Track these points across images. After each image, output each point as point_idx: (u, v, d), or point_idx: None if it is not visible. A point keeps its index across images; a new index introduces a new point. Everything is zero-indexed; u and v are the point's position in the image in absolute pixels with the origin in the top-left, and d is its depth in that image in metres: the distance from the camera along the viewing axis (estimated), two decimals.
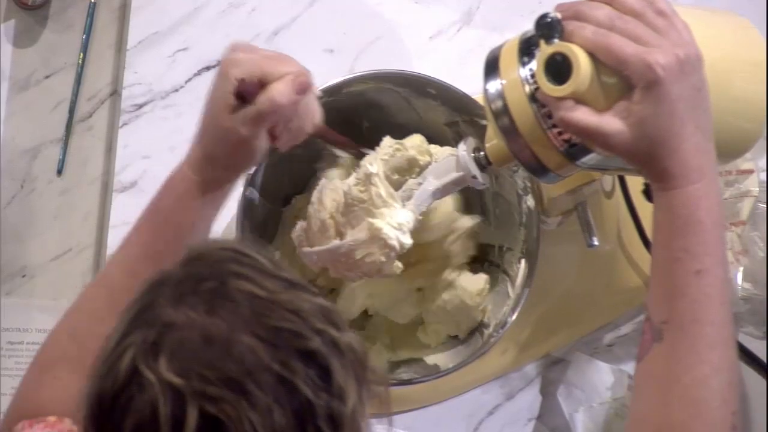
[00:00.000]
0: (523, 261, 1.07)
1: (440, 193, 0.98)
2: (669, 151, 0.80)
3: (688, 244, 0.80)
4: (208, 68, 1.25)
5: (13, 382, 1.15)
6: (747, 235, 1.25)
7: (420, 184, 0.99)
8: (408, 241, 0.98)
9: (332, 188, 1.01)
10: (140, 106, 1.23)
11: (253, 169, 0.98)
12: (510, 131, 0.87)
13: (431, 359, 1.12)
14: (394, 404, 1.17)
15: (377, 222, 0.97)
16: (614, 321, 1.25)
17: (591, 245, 0.99)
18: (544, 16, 0.85)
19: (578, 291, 1.21)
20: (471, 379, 1.20)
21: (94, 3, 1.26)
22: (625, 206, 1.18)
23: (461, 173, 0.96)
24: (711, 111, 0.81)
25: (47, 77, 1.25)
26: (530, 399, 1.22)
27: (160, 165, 1.20)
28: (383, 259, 0.98)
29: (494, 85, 0.87)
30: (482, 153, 0.95)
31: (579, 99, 0.81)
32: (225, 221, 1.17)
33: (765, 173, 1.29)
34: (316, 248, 0.99)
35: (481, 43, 1.29)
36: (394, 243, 0.97)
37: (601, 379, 1.21)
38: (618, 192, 1.16)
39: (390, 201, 0.98)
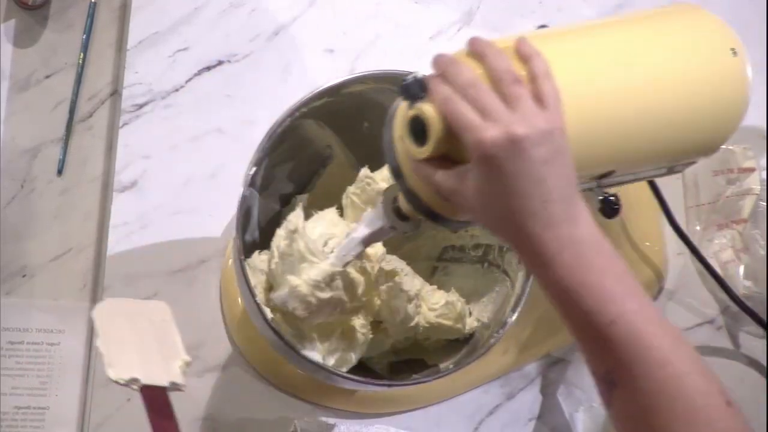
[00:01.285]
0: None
1: (371, 240, 0.98)
2: (516, 227, 0.80)
3: (583, 309, 0.78)
4: (208, 68, 1.25)
5: (14, 382, 1.15)
6: (748, 233, 1.25)
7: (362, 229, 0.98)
8: (325, 295, 1.00)
9: (278, 235, 1.04)
10: (140, 106, 1.22)
11: (253, 170, 0.98)
12: (404, 187, 0.88)
13: (431, 359, 1.12)
14: (394, 404, 1.18)
15: (292, 279, 1.00)
16: None
17: None
18: (405, 78, 0.85)
19: None
20: (471, 379, 1.20)
21: (95, 3, 1.26)
22: (625, 206, 1.18)
23: (383, 223, 0.95)
24: (568, 177, 0.79)
25: (47, 77, 1.25)
26: (530, 399, 1.22)
27: (161, 165, 1.21)
28: (305, 313, 1.01)
29: (387, 140, 0.87)
30: (397, 204, 0.93)
31: (446, 157, 0.82)
32: (225, 221, 1.18)
33: (766, 171, 1.29)
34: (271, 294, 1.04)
35: None
36: (311, 300, 1.00)
37: None
38: (620, 192, 1.16)
39: (308, 256, 1.00)
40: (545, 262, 0.79)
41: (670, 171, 1.01)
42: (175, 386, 0.97)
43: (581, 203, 0.80)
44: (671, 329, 0.79)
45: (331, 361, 1.05)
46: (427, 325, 1.09)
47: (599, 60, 0.89)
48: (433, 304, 1.10)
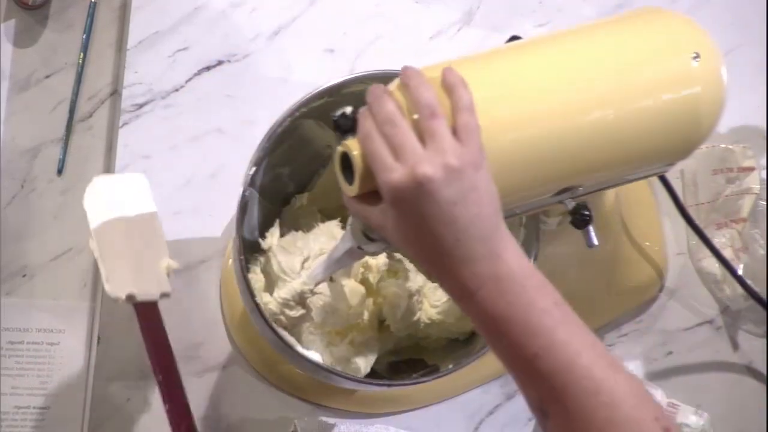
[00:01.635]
0: None
1: (342, 260, 0.98)
2: (434, 264, 0.80)
3: (509, 341, 0.79)
4: (208, 68, 1.25)
5: (14, 382, 1.15)
6: (747, 232, 1.25)
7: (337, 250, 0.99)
8: (295, 313, 1.03)
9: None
10: (140, 106, 1.23)
11: (252, 170, 0.98)
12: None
13: (431, 359, 1.12)
14: (394, 404, 1.18)
15: (266, 296, 1.03)
16: (614, 321, 1.25)
17: (591, 245, 0.99)
18: (335, 113, 0.85)
19: (578, 291, 1.20)
20: (471, 379, 1.20)
21: (95, 3, 1.26)
22: (624, 205, 1.19)
23: (352, 244, 0.94)
24: (483, 215, 0.79)
25: (47, 77, 1.25)
26: None
27: (161, 165, 1.21)
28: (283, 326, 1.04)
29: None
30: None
31: (375, 192, 0.82)
32: (225, 221, 1.18)
33: (766, 171, 1.29)
34: None
35: (481, 43, 1.29)
36: (281, 317, 1.02)
37: None
38: (618, 190, 1.16)
39: (281, 275, 1.03)
40: (466, 297, 0.80)
41: (654, 173, 1.00)
42: (164, 295, 1.05)
43: (504, 237, 0.80)
44: (604, 357, 0.78)
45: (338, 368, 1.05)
46: (428, 321, 1.09)
47: (543, 78, 0.88)
48: (435, 301, 1.10)
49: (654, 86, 0.89)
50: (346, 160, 0.83)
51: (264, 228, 1.09)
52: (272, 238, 1.05)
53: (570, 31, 0.92)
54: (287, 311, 1.02)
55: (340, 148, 0.84)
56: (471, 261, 0.78)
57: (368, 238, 0.91)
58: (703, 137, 0.93)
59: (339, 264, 0.97)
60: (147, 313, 1.02)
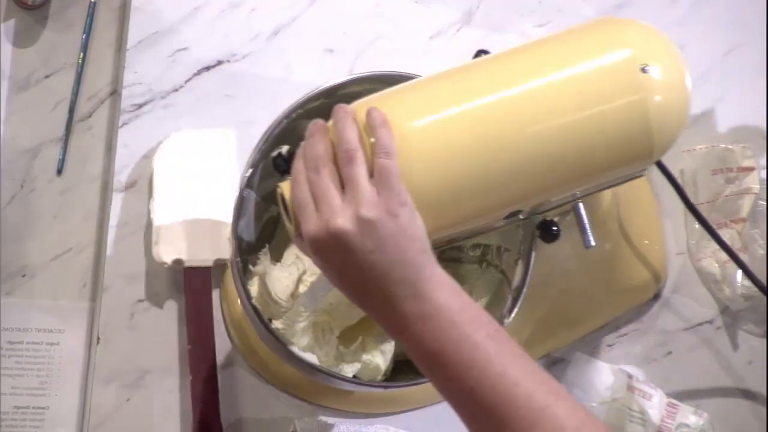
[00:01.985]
0: (520, 262, 1.07)
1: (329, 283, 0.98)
2: (361, 305, 0.82)
3: (444, 376, 0.80)
4: (207, 68, 1.25)
5: (14, 382, 1.15)
6: (747, 232, 1.25)
7: None
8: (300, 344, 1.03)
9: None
10: (140, 106, 1.23)
11: (249, 171, 0.98)
12: None
13: None
14: (394, 404, 1.18)
15: (276, 323, 1.03)
16: (614, 321, 1.25)
17: (588, 246, 0.99)
18: (273, 153, 0.86)
19: (578, 291, 1.21)
20: None
21: (94, 2, 1.26)
22: (623, 205, 1.18)
23: None
24: (403, 259, 0.79)
25: (47, 77, 1.25)
26: None
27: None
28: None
29: None
30: None
31: None
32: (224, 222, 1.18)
33: (765, 171, 1.29)
34: None
35: (481, 43, 1.29)
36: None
37: (601, 379, 1.21)
38: (618, 190, 1.16)
39: (274, 303, 1.03)
40: (397, 335, 0.81)
41: (621, 181, 0.99)
42: (220, 262, 1.12)
43: (432, 276, 0.80)
44: (545, 384, 0.78)
45: (350, 371, 1.05)
46: None
47: (481, 101, 0.87)
48: None
49: (597, 100, 0.88)
50: (285, 201, 0.85)
51: (262, 228, 1.09)
52: (263, 264, 1.05)
53: (521, 48, 0.92)
54: (294, 340, 1.02)
55: (278, 190, 0.85)
56: (396, 302, 0.79)
57: None
58: (666, 143, 0.92)
59: (329, 285, 0.98)
60: (194, 279, 1.08)
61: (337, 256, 0.80)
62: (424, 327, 0.79)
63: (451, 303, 0.80)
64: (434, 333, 0.79)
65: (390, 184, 0.80)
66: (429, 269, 0.80)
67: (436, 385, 0.81)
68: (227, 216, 1.13)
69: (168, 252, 1.14)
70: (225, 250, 1.15)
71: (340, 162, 0.81)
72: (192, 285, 1.14)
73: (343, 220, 0.78)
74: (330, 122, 0.84)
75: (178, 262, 1.14)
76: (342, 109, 0.84)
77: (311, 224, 0.80)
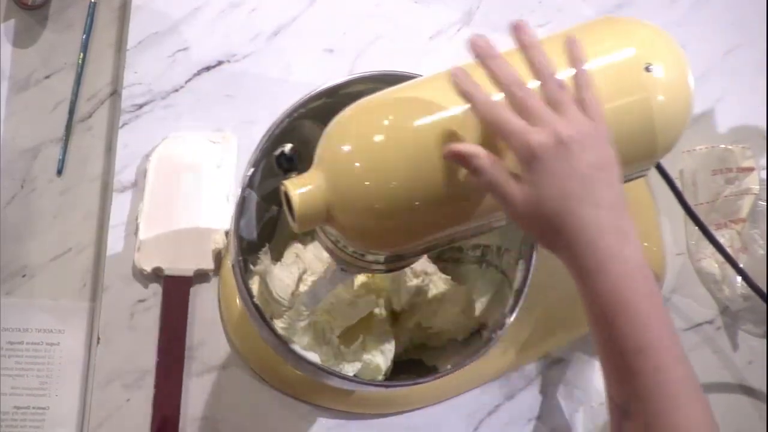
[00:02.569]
0: (521, 262, 1.07)
1: (330, 283, 0.98)
2: (567, 233, 0.79)
3: (619, 328, 0.77)
4: (207, 68, 1.25)
5: (13, 382, 1.15)
6: (747, 232, 1.25)
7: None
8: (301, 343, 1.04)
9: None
10: (140, 106, 1.23)
11: (251, 171, 0.98)
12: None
13: (430, 360, 1.12)
14: (394, 405, 1.18)
15: (277, 322, 1.03)
16: None
17: None
18: (275, 151, 0.86)
19: (577, 291, 1.21)
20: (471, 379, 1.20)
21: (94, 3, 1.26)
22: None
23: (336, 267, 0.95)
24: (617, 187, 0.79)
25: (47, 77, 1.25)
26: (530, 399, 1.22)
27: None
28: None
29: None
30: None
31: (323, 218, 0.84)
32: (224, 222, 1.18)
33: (765, 171, 1.29)
34: None
35: None
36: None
37: (601, 379, 1.20)
38: None
39: (275, 302, 1.03)
40: (593, 271, 0.78)
41: (628, 178, 0.99)
42: (201, 273, 1.11)
43: (631, 220, 0.80)
44: (692, 378, 0.78)
45: (351, 371, 1.06)
46: (439, 297, 1.09)
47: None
48: (437, 278, 1.11)
49: (601, 98, 0.88)
50: (288, 199, 0.84)
51: (262, 228, 1.09)
52: (264, 263, 1.05)
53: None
54: (291, 331, 1.03)
55: (282, 188, 0.84)
56: (605, 232, 0.78)
57: (343, 270, 0.93)
58: (667, 144, 0.92)
59: (331, 284, 0.98)
60: (173, 288, 1.06)
61: (559, 166, 0.78)
62: (622, 269, 0.77)
63: (642, 255, 0.79)
64: (629, 279, 0.77)
65: (601, 116, 0.81)
66: (627, 210, 0.80)
67: (601, 336, 0.79)
68: (215, 223, 1.13)
69: (148, 259, 1.15)
70: (207, 260, 1.16)
71: (550, 87, 0.81)
72: (170, 294, 1.14)
73: (568, 129, 0.78)
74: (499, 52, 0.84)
75: (158, 270, 1.15)
76: (525, 34, 0.84)
77: (534, 134, 0.78)
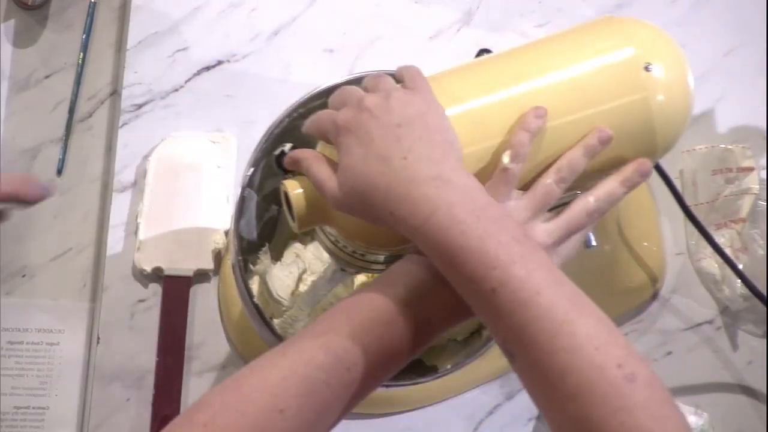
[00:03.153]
0: None
1: (330, 282, 0.98)
2: (384, 195, 0.77)
3: (465, 275, 0.74)
4: (207, 68, 1.25)
5: (13, 382, 1.15)
6: (747, 232, 1.25)
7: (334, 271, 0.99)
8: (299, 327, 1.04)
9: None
10: (140, 106, 1.23)
11: (251, 171, 0.98)
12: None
13: (430, 360, 1.12)
14: (393, 404, 1.18)
15: (277, 321, 1.04)
16: (613, 321, 1.25)
17: (589, 246, 0.99)
18: (275, 151, 0.86)
19: None
20: (471, 379, 1.20)
21: (94, 3, 1.26)
22: (623, 206, 1.18)
23: (335, 267, 0.95)
24: (431, 140, 0.78)
25: (47, 77, 1.25)
26: (530, 399, 1.22)
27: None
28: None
29: None
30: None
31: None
32: (224, 222, 1.18)
33: (765, 171, 1.29)
34: None
35: (481, 43, 1.29)
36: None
37: None
38: None
39: (274, 301, 1.04)
40: (419, 226, 0.76)
41: None
42: (201, 273, 1.11)
43: (458, 167, 0.78)
44: (569, 298, 0.73)
45: None
46: None
47: (488, 95, 0.86)
48: None
49: (600, 99, 0.87)
50: (288, 199, 0.84)
51: (262, 227, 1.09)
52: (263, 263, 1.05)
53: (525, 47, 0.91)
54: (290, 330, 1.03)
55: (282, 188, 0.84)
56: (420, 182, 0.76)
57: (343, 270, 0.93)
58: (667, 144, 0.92)
59: (331, 284, 0.98)
60: (173, 288, 1.06)
61: (363, 130, 0.78)
62: (448, 215, 0.75)
63: (477, 196, 0.76)
64: (458, 224, 0.74)
65: (418, 82, 0.82)
66: (455, 161, 0.78)
67: (457, 285, 0.76)
68: (215, 223, 1.13)
69: (148, 259, 1.15)
70: (207, 260, 1.16)
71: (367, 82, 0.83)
72: (170, 294, 1.15)
73: (371, 98, 0.79)
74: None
75: (158, 270, 1.15)
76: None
77: (341, 113, 0.80)
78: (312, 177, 0.82)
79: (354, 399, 0.78)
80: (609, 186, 0.87)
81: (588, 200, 0.87)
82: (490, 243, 0.74)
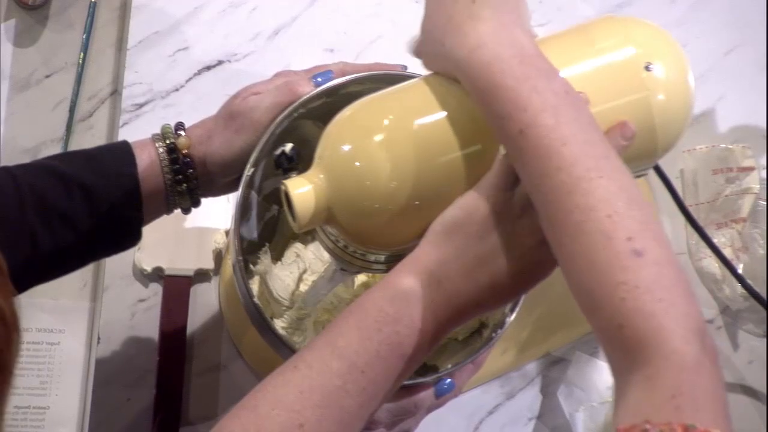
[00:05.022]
0: None
1: (331, 282, 0.98)
2: (443, 22, 0.81)
3: (497, 110, 0.74)
4: (208, 68, 1.25)
5: (14, 382, 1.15)
6: (747, 232, 1.25)
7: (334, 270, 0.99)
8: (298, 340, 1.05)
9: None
10: (140, 106, 1.23)
11: (251, 171, 0.98)
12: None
13: (431, 359, 1.12)
14: None
15: (277, 321, 1.04)
16: None
17: None
18: (276, 151, 0.88)
19: None
20: (471, 379, 1.20)
21: (95, 2, 1.27)
22: None
23: (335, 267, 0.95)
24: (506, 2, 0.80)
25: (48, 77, 1.25)
26: (531, 398, 1.22)
27: None
28: None
29: None
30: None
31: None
32: (225, 222, 1.18)
33: (765, 170, 1.29)
34: None
35: None
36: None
37: (602, 379, 1.21)
38: None
39: (275, 302, 1.04)
40: (464, 57, 0.77)
41: None
42: (201, 273, 1.12)
43: (519, 26, 0.78)
44: (593, 157, 0.71)
45: None
46: None
47: None
48: None
49: (601, 99, 0.86)
50: (288, 199, 0.84)
51: (262, 227, 1.09)
52: (264, 263, 1.05)
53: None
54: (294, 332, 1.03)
55: (282, 188, 0.84)
56: (477, 19, 0.78)
57: (343, 269, 0.93)
58: (668, 144, 0.91)
59: (331, 284, 0.98)
60: (173, 288, 1.06)
61: None
62: (492, 52, 0.75)
63: (528, 45, 0.77)
64: (500, 63, 0.75)
65: None
66: (519, 20, 0.79)
67: (490, 122, 0.76)
68: (215, 223, 1.13)
69: (149, 259, 1.15)
70: (208, 260, 1.17)
71: None
72: (170, 294, 1.15)
73: None
74: None
75: (158, 269, 1.15)
76: None
77: None
78: None
79: (373, 401, 0.78)
80: None
81: None
82: (526, 86, 0.74)
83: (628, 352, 0.65)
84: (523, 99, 0.73)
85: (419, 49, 0.86)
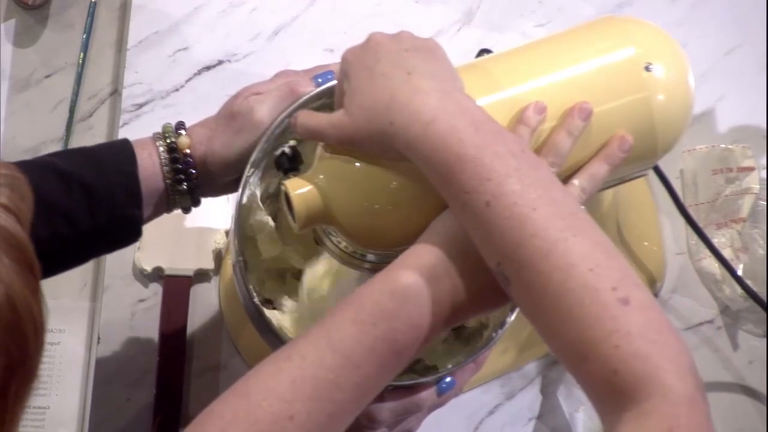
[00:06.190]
0: None
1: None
2: (385, 107, 0.77)
3: (460, 184, 0.73)
4: (208, 68, 1.25)
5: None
6: (747, 232, 1.25)
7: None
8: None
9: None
10: (140, 106, 1.23)
11: (251, 171, 0.98)
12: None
13: (431, 359, 1.12)
14: None
15: (282, 317, 1.04)
16: None
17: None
18: (276, 151, 0.88)
19: None
20: (471, 379, 1.20)
21: (95, 2, 1.27)
22: (623, 206, 1.18)
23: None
24: (437, 66, 0.80)
25: (47, 77, 1.25)
26: (531, 398, 1.22)
27: None
28: None
29: None
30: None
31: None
32: (225, 222, 1.18)
33: (765, 170, 1.29)
34: None
35: (481, 43, 1.29)
36: None
37: None
38: (618, 192, 1.16)
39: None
40: (418, 134, 0.75)
41: (628, 178, 0.98)
42: (201, 273, 1.12)
43: (461, 90, 0.79)
44: (564, 217, 0.71)
45: None
46: None
47: (488, 101, 0.85)
48: None
49: (601, 99, 0.86)
50: (288, 199, 0.84)
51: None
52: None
53: (525, 47, 0.91)
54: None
55: (282, 188, 0.84)
56: (422, 92, 0.76)
57: (317, 242, 0.93)
58: (668, 144, 0.91)
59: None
60: (173, 288, 1.06)
61: (371, 54, 0.80)
62: (447, 124, 0.74)
63: (477, 111, 0.76)
64: (456, 133, 0.74)
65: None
66: (458, 84, 0.80)
67: (451, 201, 0.75)
68: (215, 223, 1.13)
69: (149, 259, 1.15)
70: (208, 260, 1.17)
71: None
72: (170, 294, 1.15)
73: (380, 35, 0.82)
74: None
75: (158, 269, 1.15)
76: None
77: (348, 50, 0.83)
78: (312, 129, 0.83)
79: (365, 397, 0.78)
80: (592, 166, 0.86)
81: (572, 183, 0.86)
82: (487, 153, 0.73)
83: (623, 393, 0.65)
84: (486, 166, 0.72)
85: (353, 134, 0.81)
